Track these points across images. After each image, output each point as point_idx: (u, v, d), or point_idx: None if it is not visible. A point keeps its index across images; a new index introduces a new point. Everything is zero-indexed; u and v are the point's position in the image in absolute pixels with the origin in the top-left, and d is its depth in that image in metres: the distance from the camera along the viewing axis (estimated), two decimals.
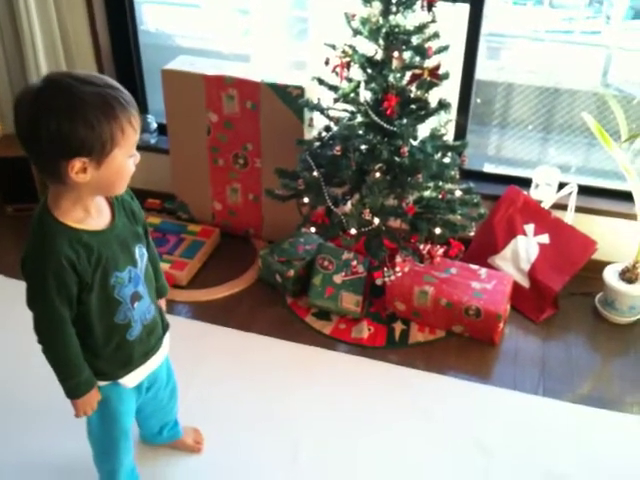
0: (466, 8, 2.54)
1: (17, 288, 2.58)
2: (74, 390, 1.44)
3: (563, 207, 2.67)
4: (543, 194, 2.67)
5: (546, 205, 2.66)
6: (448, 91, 2.36)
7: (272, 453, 1.99)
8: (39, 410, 2.11)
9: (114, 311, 1.41)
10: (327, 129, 2.45)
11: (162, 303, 1.68)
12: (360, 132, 2.30)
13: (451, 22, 2.53)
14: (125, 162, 1.27)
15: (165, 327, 1.63)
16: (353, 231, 2.29)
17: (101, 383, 1.50)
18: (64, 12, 2.87)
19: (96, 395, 1.48)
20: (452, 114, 2.41)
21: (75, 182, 1.24)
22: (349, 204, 2.31)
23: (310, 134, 2.63)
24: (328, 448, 2.02)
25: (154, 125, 3.12)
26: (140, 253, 1.45)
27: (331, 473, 1.94)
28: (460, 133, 2.75)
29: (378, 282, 2.45)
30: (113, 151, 1.23)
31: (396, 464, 1.97)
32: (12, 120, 3.34)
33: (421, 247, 2.35)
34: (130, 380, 1.54)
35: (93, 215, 1.34)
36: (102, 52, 2.98)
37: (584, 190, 2.70)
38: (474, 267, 2.56)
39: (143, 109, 3.20)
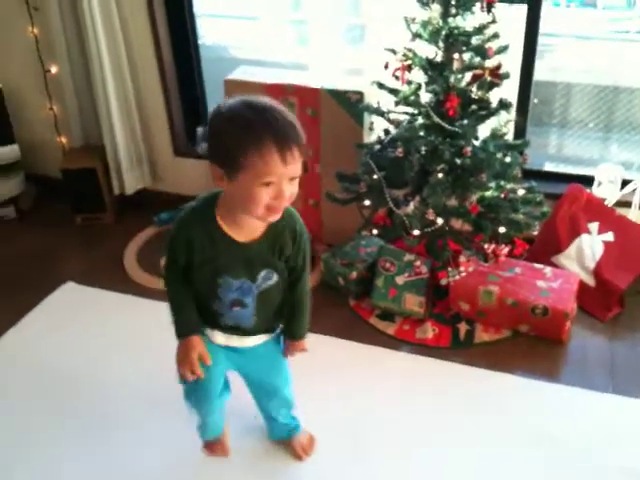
0: (524, 9, 2.55)
1: (86, 294, 2.75)
2: (177, 328, 1.57)
3: (627, 204, 2.64)
4: (606, 192, 2.65)
5: (609, 203, 2.64)
6: (507, 91, 2.38)
7: (335, 451, 2.01)
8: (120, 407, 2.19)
9: (212, 300, 1.53)
10: (386, 132, 2.49)
11: (292, 346, 1.72)
12: (421, 134, 2.33)
13: (508, 23, 2.54)
14: (254, 188, 1.30)
15: (263, 332, 1.67)
16: (416, 232, 2.32)
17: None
18: (129, 27, 2.99)
19: (199, 346, 1.55)
20: (512, 114, 2.42)
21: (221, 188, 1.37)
22: (411, 205, 2.33)
23: (369, 138, 2.67)
24: (393, 448, 2.03)
25: None
26: (266, 276, 1.51)
27: (398, 471, 1.96)
28: (519, 133, 2.74)
29: (442, 282, 2.46)
30: (239, 173, 1.29)
31: (464, 462, 1.97)
32: (78, 134, 3.48)
33: (485, 246, 2.36)
34: (212, 335, 1.63)
35: (244, 229, 1.44)
36: (165, 65, 3.08)
37: None
38: (539, 266, 2.54)
39: (205, 119, 3.28)
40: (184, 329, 1.57)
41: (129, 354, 2.43)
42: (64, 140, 3.40)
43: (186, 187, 3.36)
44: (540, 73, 2.88)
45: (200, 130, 3.41)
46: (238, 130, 1.28)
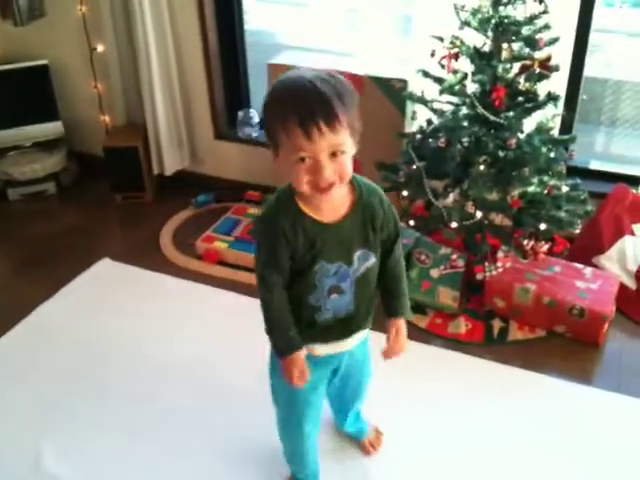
0: (577, 1, 2.48)
1: (122, 271, 2.78)
2: (279, 348, 1.49)
3: None
4: None
5: None
6: (556, 86, 2.32)
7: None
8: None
9: (309, 292, 1.44)
10: (429, 122, 2.45)
11: (397, 325, 1.57)
12: (465, 124, 2.28)
13: (560, 15, 2.48)
14: (290, 165, 1.27)
15: (361, 327, 1.57)
16: (454, 224, 2.28)
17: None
18: (175, 9, 3.01)
19: (299, 361, 1.48)
20: (559, 108, 2.36)
21: None
22: (451, 197, 2.29)
23: (411, 127, 2.63)
24: (423, 442, 2.00)
25: (256, 119, 3.20)
26: (362, 257, 1.44)
27: (427, 466, 1.93)
28: (566, 129, 2.67)
29: (479, 277, 2.42)
30: (277, 150, 1.29)
31: (492, 460, 1.94)
32: (122, 113, 3.52)
33: (525, 242, 2.31)
34: (312, 350, 1.54)
35: (323, 208, 1.37)
36: (210, 47, 3.08)
37: None
38: (579, 266, 2.48)
39: (247, 104, 3.29)
40: (286, 347, 1.48)
41: (159, 333, 2.45)
42: (107, 119, 3.43)
43: (225, 171, 3.37)
44: (591, 69, 2.81)
45: (241, 114, 3.43)
46: (270, 106, 1.29)
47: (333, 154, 1.25)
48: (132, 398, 2.16)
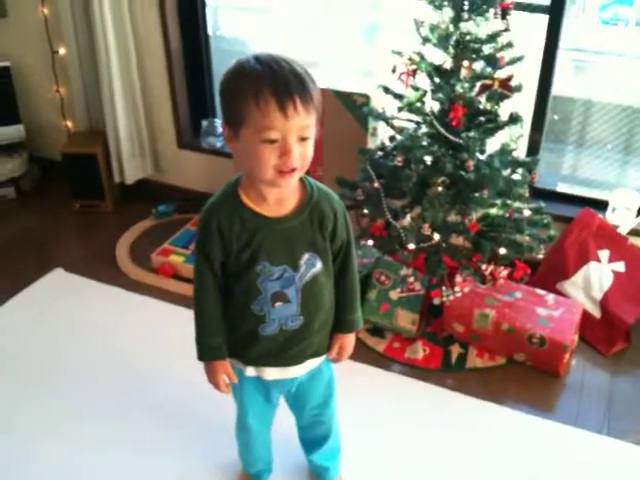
0: (545, 19, 2.41)
1: (75, 282, 2.69)
2: (198, 351, 1.45)
3: None
4: (620, 219, 2.49)
5: (623, 231, 2.48)
6: (522, 105, 2.24)
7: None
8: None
9: (252, 298, 1.37)
10: (391, 139, 2.37)
11: (344, 340, 1.52)
12: (424, 143, 2.20)
13: (529, 33, 2.41)
14: (257, 145, 1.20)
15: (316, 354, 1.50)
16: (411, 246, 2.19)
17: (234, 363, 1.49)
18: (137, 13, 2.92)
19: (223, 369, 1.45)
20: (525, 129, 2.28)
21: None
22: (408, 218, 2.21)
23: (373, 144, 2.55)
24: (370, 468, 1.92)
25: (220, 129, 3.11)
26: (308, 262, 1.37)
27: None
28: (533, 149, 2.60)
29: (435, 301, 2.33)
30: (241, 128, 1.21)
31: None
32: (83, 118, 3.43)
33: (484, 267, 2.23)
34: (250, 371, 1.49)
35: (269, 202, 1.32)
36: (172, 53, 2.99)
37: None
38: (541, 292, 2.40)
39: (211, 113, 3.20)
40: (208, 354, 1.44)
41: (108, 347, 2.37)
42: (69, 124, 3.34)
43: (188, 181, 3.29)
44: (571, 89, 2.75)
45: (205, 124, 3.34)
46: (239, 80, 1.21)
47: (302, 139, 1.21)
48: (75, 413, 2.09)
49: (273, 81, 1.16)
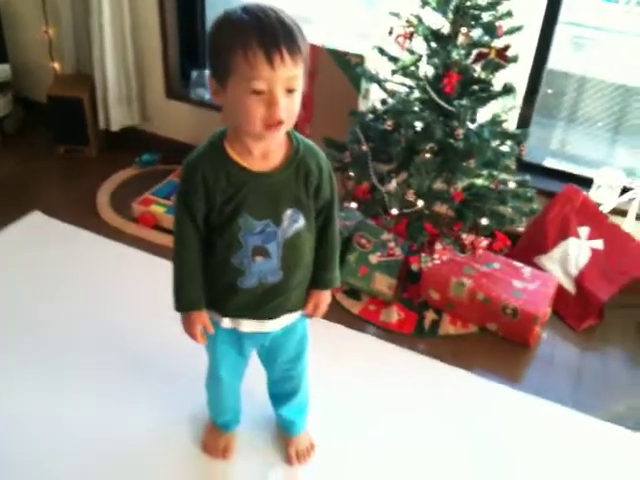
0: None
1: (52, 226, 2.66)
2: (176, 301, 1.45)
3: (623, 213, 2.51)
4: (604, 197, 2.51)
5: (605, 209, 2.50)
6: (516, 77, 2.23)
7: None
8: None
9: (233, 251, 1.37)
10: (383, 102, 2.35)
11: (320, 297, 1.53)
12: (416, 109, 2.19)
13: (529, 4, 2.38)
14: (244, 97, 1.18)
15: (293, 309, 1.51)
16: (394, 211, 2.20)
17: (210, 314, 1.49)
18: None
19: (200, 319, 1.45)
20: (517, 101, 2.28)
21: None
22: (393, 183, 2.20)
23: (365, 106, 2.53)
24: (336, 426, 1.95)
25: None
26: (291, 218, 1.37)
27: (340, 456, 1.88)
28: (524, 122, 2.59)
29: (413, 267, 2.35)
30: (228, 79, 1.20)
31: (405, 454, 1.89)
32: (71, 60, 3.35)
33: (464, 236, 2.23)
34: (226, 322, 1.49)
35: (255, 156, 1.31)
36: (166, 2, 2.93)
37: None
38: (518, 265, 2.43)
39: (202, 64, 3.15)
40: (186, 305, 1.45)
41: (83, 294, 2.35)
42: (57, 65, 3.27)
43: (175, 131, 3.25)
44: (567, 64, 2.73)
45: (195, 74, 3.29)
46: (226, 30, 1.19)
47: (289, 90, 1.20)
48: (47, 360, 2.07)
49: (260, 31, 1.15)
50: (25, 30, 3.28)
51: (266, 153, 1.31)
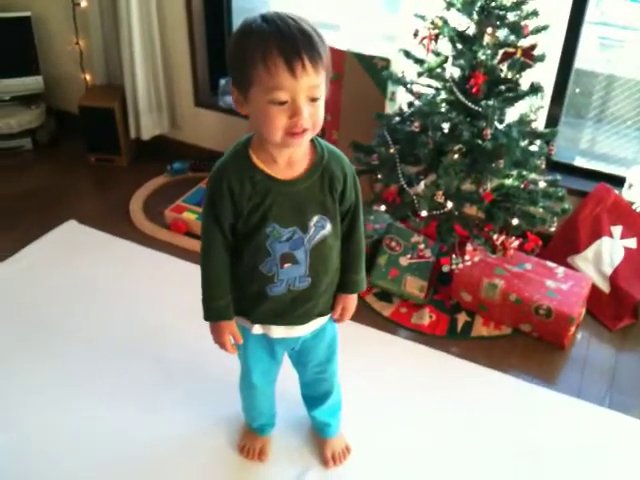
0: None
1: (87, 235, 2.71)
2: (205, 311, 1.46)
3: None
4: (636, 195, 2.48)
5: (638, 207, 2.47)
6: (544, 76, 2.22)
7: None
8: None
9: (261, 259, 1.38)
10: (410, 105, 2.36)
11: (347, 300, 1.54)
12: (442, 110, 2.19)
13: (555, 3, 2.37)
14: (266, 107, 1.18)
15: (321, 313, 1.52)
16: (424, 213, 2.20)
17: (240, 321, 1.50)
18: None
19: (228, 329, 1.47)
20: (545, 101, 2.27)
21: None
22: (422, 184, 2.21)
23: (391, 109, 2.54)
24: (370, 428, 1.95)
25: None
26: (318, 224, 1.37)
27: (371, 456, 1.88)
28: (552, 122, 2.58)
29: (444, 269, 2.34)
30: (250, 90, 1.19)
31: (442, 457, 1.89)
32: (102, 72, 3.41)
33: (495, 237, 2.22)
34: (257, 329, 1.51)
35: (280, 164, 1.31)
36: (194, 12, 2.98)
37: None
38: (551, 265, 2.41)
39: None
40: (214, 315, 1.46)
41: (117, 300, 2.40)
42: (88, 77, 3.34)
43: (204, 139, 3.29)
44: (595, 63, 2.71)
45: (223, 82, 3.34)
46: (246, 40, 1.18)
47: (312, 99, 1.19)
48: (83, 364, 2.11)
49: (280, 40, 1.14)
50: (56, 43, 3.35)
51: (291, 161, 1.31)
